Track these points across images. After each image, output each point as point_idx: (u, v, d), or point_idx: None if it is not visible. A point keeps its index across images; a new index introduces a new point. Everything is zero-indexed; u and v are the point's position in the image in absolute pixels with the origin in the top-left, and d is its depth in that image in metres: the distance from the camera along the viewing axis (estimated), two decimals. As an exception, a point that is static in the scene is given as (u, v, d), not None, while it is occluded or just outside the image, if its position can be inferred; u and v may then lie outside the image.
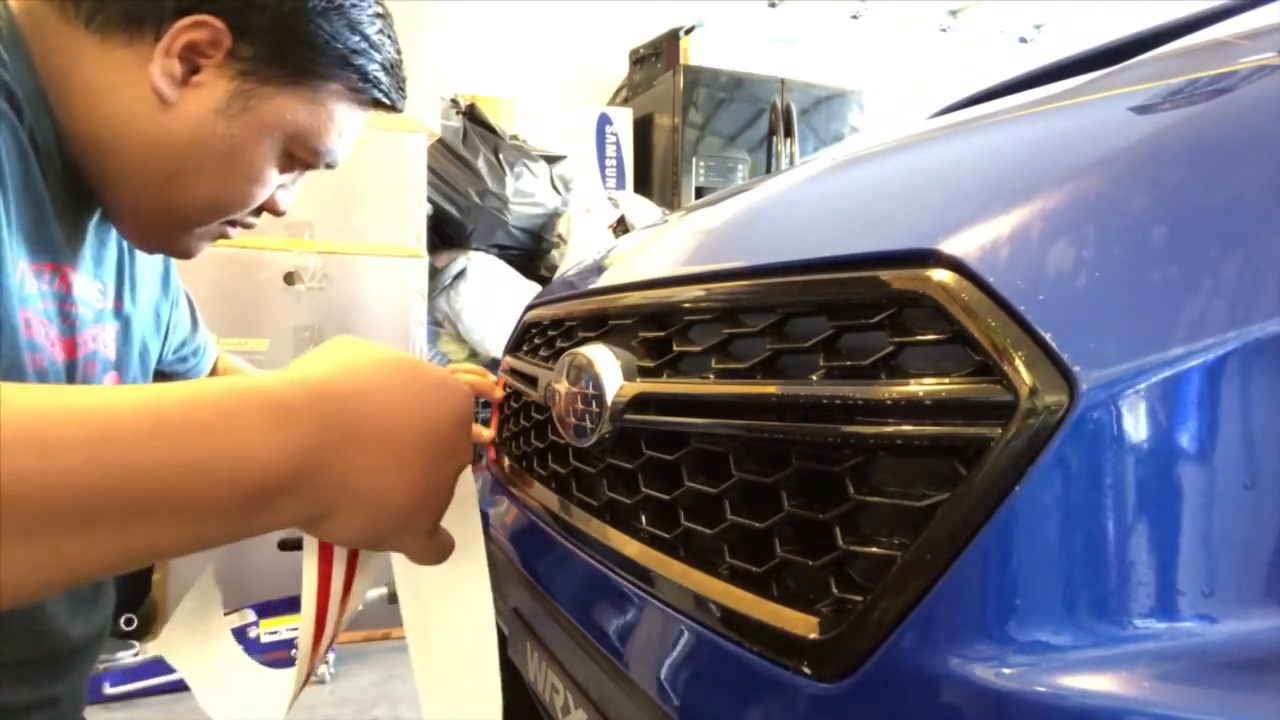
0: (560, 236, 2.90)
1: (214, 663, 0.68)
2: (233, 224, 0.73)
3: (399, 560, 0.53)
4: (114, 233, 0.75)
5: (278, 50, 0.64)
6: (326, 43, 0.66)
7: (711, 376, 0.50)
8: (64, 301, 0.66)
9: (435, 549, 0.49)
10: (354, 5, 0.67)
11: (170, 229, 0.70)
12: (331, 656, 2.02)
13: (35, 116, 0.60)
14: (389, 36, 0.72)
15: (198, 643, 0.68)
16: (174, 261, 0.89)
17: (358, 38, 0.68)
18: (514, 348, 0.90)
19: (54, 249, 0.64)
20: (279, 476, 0.40)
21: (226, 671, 0.68)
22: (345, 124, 0.71)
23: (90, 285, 0.71)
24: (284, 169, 0.71)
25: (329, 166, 0.74)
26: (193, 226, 0.70)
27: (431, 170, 2.45)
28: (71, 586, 0.39)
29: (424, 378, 0.47)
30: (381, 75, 0.71)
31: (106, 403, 0.37)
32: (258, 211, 0.74)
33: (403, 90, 0.76)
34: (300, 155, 0.70)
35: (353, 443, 0.43)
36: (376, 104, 0.74)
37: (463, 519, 0.51)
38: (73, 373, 0.68)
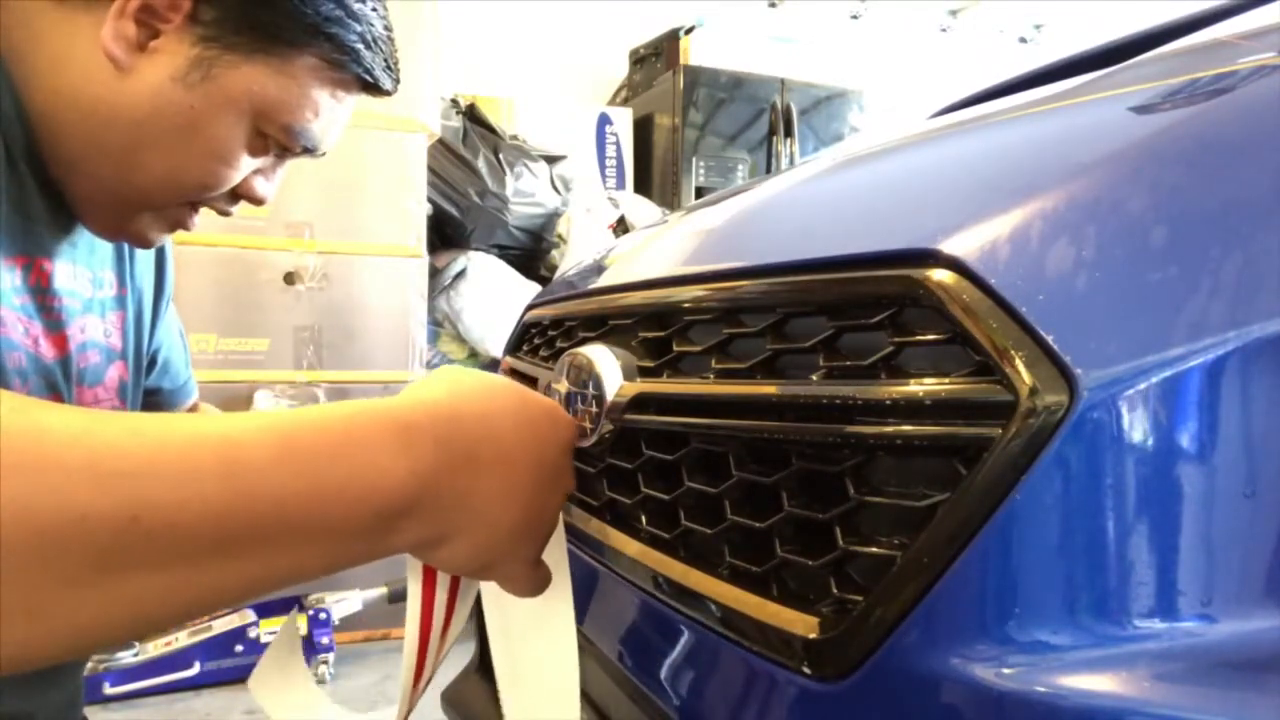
0: (560, 236, 2.90)
1: (302, 708, 0.68)
2: (195, 209, 0.69)
3: (488, 590, 0.53)
4: None
5: (241, 16, 0.61)
6: (296, 9, 0.62)
7: (711, 376, 0.50)
8: (43, 295, 0.64)
9: (537, 579, 0.49)
10: None
11: (127, 210, 0.66)
12: (331, 657, 2.02)
13: (1, 100, 0.58)
14: (374, 9, 0.67)
15: (285, 687, 0.68)
16: (172, 272, 0.87)
17: (333, 4, 0.63)
18: (514, 348, 0.90)
19: (25, 241, 0.61)
20: (403, 498, 0.40)
21: (316, 717, 0.68)
22: (323, 103, 0.66)
23: (77, 274, 0.68)
24: (256, 150, 0.66)
25: (309, 151, 0.69)
26: (151, 207, 0.66)
27: (431, 170, 2.45)
28: (198, 617, 0.38)
29: (534, 405, 0.48)
30: (361, 48, 0.66)
31: (233, 430, 0.37)
32: (234, 199, 0.70)
33: (391, 71, 0.70)
34: (273, 134, 0.65)
35: (472, 465, 0.43)
36: (361, 84, 0.68)
37: (553, 550, 0.51)
38: (67, 369, 0.66)
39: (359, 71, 0.67)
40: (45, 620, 0.32)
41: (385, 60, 0.69)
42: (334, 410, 0.41)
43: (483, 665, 0.56)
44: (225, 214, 0.71)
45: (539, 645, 0.54)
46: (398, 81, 0.72)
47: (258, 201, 0.71)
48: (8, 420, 0.32)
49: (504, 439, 0.45)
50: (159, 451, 0.34)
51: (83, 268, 0.70)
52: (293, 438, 0.38)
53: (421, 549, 0.44)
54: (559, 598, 0.52)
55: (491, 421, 0.45)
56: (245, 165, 0.67)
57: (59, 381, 0.65)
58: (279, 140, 0.66)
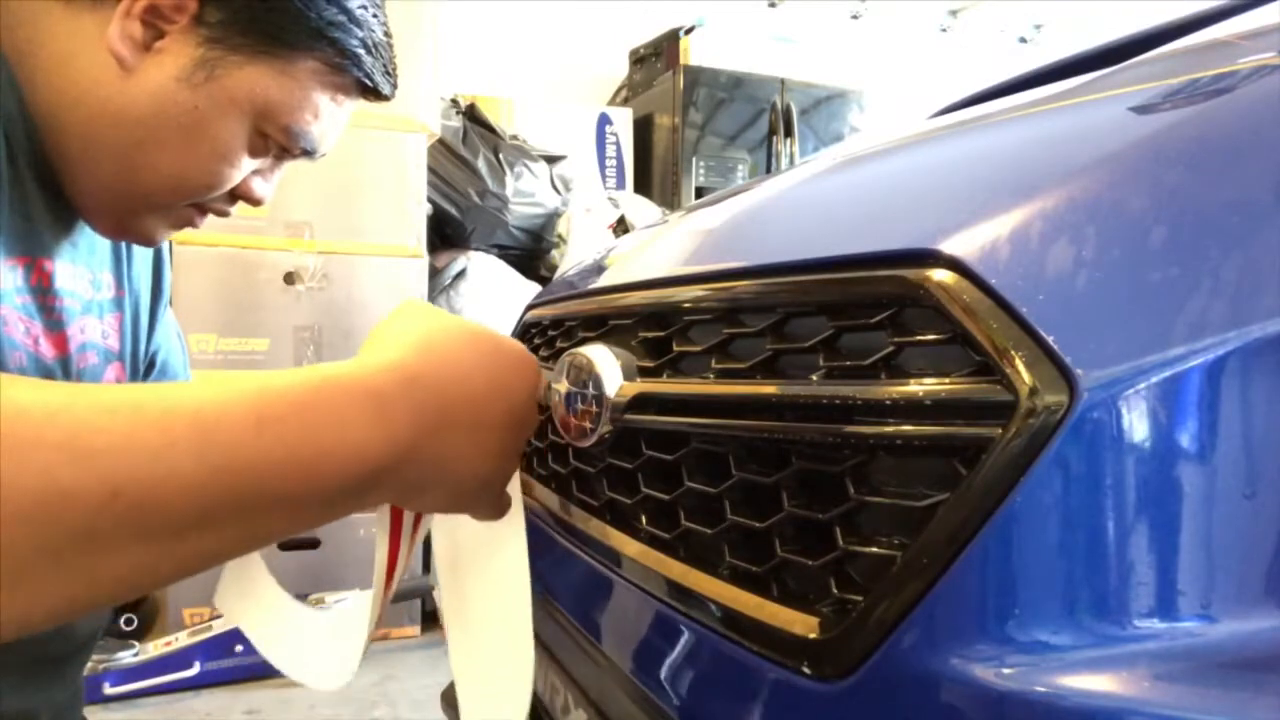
0: (560, 236, 2.90)
1: (270, 615, 0.68)
2: (201, 210, 0.70)
3: (437, 520, 0.56)
4: None
5: (247, 18, 0.61)
6: (300, 13, 0.63)
7: (711, 376, 0.50)
8: (44, 295, 0.64)
9: (500, 507, 0.53)
10: None
11: (130, 209, 0.66)
12: (331, 656, 2.01)
13: (4, 101, 0.58)
14: (375, 16, 0.68)
15: (251, 598, 0.68)
16: (169, 275, 0.87)
17: (335, 9, 0.64)
18: (514, 348, 0.90)
19: (27, 241, 0.62)
20: (378, 466, 0.41)
21: (287, 623, 0.68)
22: (323, 106, 0.67)
23: (77, 275, 0.69)
24: (256, 151, 0.67)
25: (307, 154, 0.70)
26: (155, 207, 0.67)
27: (431, 170, 2.45)
28: (178, 582, 0.40)
29: (504, 352, 0.49)
30: (362, 53, 0.67)
31: (207, 401, 0.37)
32: (232, 200, 0.70)
33: (390, 76, 0.71)
34: (273, 135, 0.66)
35: (446, 427, 0.44)
36: (360, 88, 0.70)
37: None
38: (67, 368, 0.66)
39: (359, 76, 0.68)
40: (32, 593, 0.33)
41: (385, 66, 0.70)
42: (305, 378, 0.41)
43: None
44: (223, 214, 0.72)
45: (490, 572, 0.56)
46: (395, 87, 0.73)
47: (255, 202, 0.72)
48: None
49: (477, 396, 0.46)
50: (134, 427, 0.35)
51: (82, 268, 0.70)
52: (266, 408, 0.38)
53: (396, 501, 0.46)
54: (510, 521, 0.55)
55: (464, 380, 0.46)
56: (245, 166, 0.67)
57: (58, 381, 0.65)
58: (279, 141, 0.67)
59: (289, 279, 2.14)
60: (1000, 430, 0.34)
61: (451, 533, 0.58)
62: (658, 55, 3.83)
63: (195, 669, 1.90)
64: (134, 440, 0.34)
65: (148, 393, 0.37)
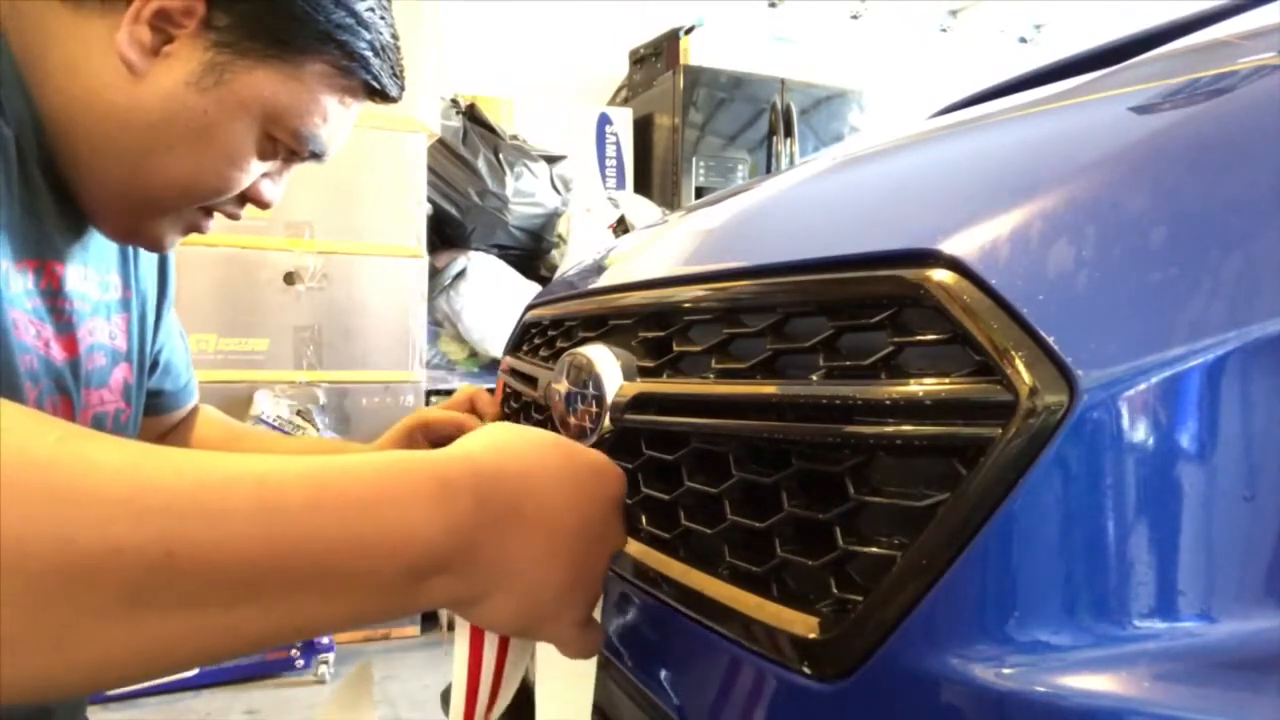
0: (560, 236, 2.90)
1: None
2: (209, 214, 0.70)
3: (543, 651, 0.52)
4: None
5: (255, 21, 0.62)
6: (308, 15, 0.63)
7: (711, 376, 0.50)
8: (54, 298, 0.64)
9: (587, 640, 0.48)
10: None
11: (140, 213, 0.66)
12: (331, 656, 2.02)
13: (13, 104, 0.58)
14: (383, 18, 0.68)
15: None
16: (174, 276, 0.88)
17: (344, 13, 0.65)
18: (514, 348, 0.90)
19: (38, 244, 0.62)
20: (437, 554, 0.39)
21: None
22: (332, 109, 0.68)
23: (86, 277, 0.69)
24: (265, 154, 0.67)
25: (316, 156, 0.70)
26: (165, 212, 0.67)
27: (431, 170, 2.45)
28: (218, 661, 0.38)
29: (580, 461, 0.46)
30: (370, 55, 0.67)
31: (271, 472, 0.36)
32: (241, 202, 0.71)
33: (398, 78, 0.72)
34: (282, 139, 0.67)
35: (510, 523, 0.42)
36: (368, 90, 0.70)
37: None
38: (76, 371, 0.66)
39: (367, 78, 0.68)
40: (71, 651, 0.32)
41: (392, 68, 0.70)
42: (373, 459, 0.40)
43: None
44: (234, 217, 0.72)
45: (555, 695, 0.53)
46: (403, 89, 0.73)
47: (264, 205, 0.72)
48: (55, 451, 0.32)
49: (547, 496, 0.44)
50: (197, 489, 0.34)
51: (91, 270, 0.70)
52: (328, 484, 0.37)
53: (458, 606, 0.43)
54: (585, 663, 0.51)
55: (534, 479, 0.44)
56: (254, 169, 0.67)
57: (69, 384, 0.65)
58: (288, 145, 0.67)
59: (289, 279, 2.14)
60: (1000, 430, 0.34)
61: (554, 671, 0.53)
62: (658, 55, 3.83)
63: (195, 669, 1.90)
64: (194, 502, 0.34)
65: (216, 460, 0.36)
